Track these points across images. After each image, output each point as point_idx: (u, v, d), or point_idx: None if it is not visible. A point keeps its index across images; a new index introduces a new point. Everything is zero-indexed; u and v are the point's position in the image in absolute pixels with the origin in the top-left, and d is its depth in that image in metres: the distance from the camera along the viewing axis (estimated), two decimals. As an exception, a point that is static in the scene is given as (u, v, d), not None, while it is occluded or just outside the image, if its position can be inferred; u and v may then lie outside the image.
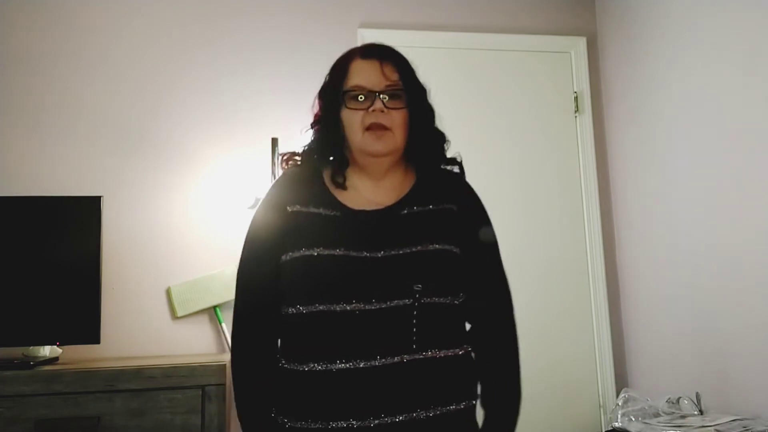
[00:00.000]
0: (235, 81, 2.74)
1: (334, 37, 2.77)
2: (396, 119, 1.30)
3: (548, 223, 2.92)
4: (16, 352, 2.21)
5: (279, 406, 1.26)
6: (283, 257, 1.27)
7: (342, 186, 1.35)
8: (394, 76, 1.32)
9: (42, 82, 2.61)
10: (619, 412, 2.32)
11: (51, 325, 2.22)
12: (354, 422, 1.17)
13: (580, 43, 3.08)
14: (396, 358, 1.19)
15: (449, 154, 1.42)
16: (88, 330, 2.22)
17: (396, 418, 1.18)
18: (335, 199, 1.33)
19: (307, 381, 1.21)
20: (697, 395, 2.24)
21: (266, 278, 1.29)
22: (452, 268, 1.29)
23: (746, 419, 2.06)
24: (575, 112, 3.03)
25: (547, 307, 2.84)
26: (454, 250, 1.29)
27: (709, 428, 2.01)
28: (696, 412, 2.21)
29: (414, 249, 1.25)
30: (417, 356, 1.21)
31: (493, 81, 2.98)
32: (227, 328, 2.54)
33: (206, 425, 1.99)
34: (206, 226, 2.61)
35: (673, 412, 2.25)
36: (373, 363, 1.18)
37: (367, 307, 1.20)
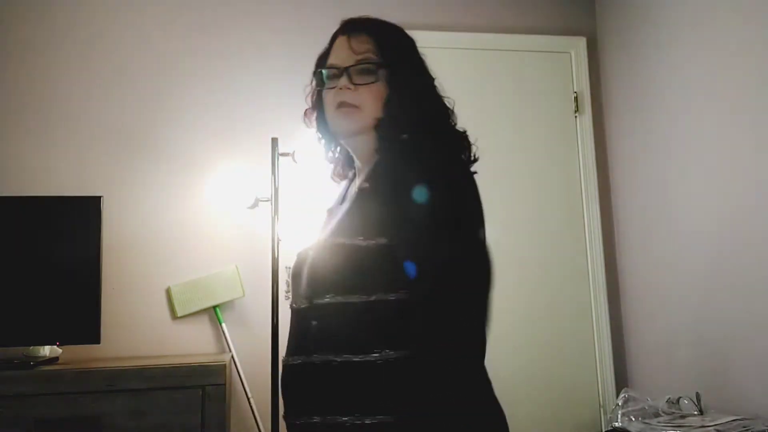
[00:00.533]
0: (235, 81, 2.74)
1: (334, 37, 2.77)
2: (365, 96, 1.21)
3: (548, 223, 2.92)
4: (16, 352, 2.21)
5: None
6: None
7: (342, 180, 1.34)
8: (364, 48, 1.23)
9: (42, 82, 2.61)
10: (619, 412, 2.32)
11: (51, 325, 2.22)
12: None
13: (580, 43, 3.08)
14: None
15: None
16: (88, 330, 2.22)
17: None
18: None
19: None
20: (697, 395, 2.24)
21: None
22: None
23: (746, 419, 2.06)
24: (575, 112, 3.03)
25: (547, 307, 2.84)
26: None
27: (709, 428, 2.01)
28: (696, 412, 2.21)
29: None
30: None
31: (493, 81, 2.97)
32: (227, 328, 2.54)
33: (206, 425, 1.99)
34: (206, 226, 2.61)
35: (673, 412, 2.25)
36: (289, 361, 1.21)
37: (295, 305, 1.22)
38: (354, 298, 1.11)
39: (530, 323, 2.82)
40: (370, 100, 1.21)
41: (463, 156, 1.26)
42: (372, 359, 1.08)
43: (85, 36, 2.68)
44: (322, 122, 1.31)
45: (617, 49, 2.97)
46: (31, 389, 1.93)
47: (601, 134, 3.05)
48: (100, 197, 2.32)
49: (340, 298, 1.12)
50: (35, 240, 2.27)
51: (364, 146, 1.25)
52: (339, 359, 1.09)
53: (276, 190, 2.41)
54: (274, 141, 2.47)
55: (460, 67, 2.92)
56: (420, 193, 1.11)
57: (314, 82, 1.32)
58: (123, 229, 2.54)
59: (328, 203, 1.35)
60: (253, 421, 2.45)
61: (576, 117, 3.03)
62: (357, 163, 1.31)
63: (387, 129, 1.21)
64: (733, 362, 2.27)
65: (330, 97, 1.24)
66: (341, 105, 1.22)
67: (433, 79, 1.30)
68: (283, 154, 2.44)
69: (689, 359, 2.49)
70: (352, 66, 1.22)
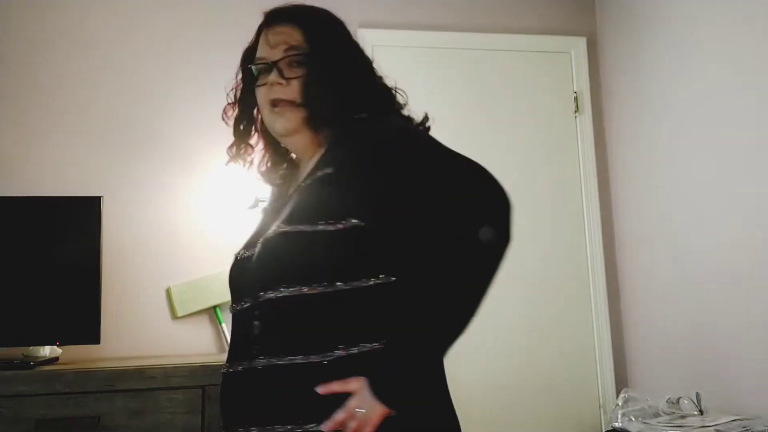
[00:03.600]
0: (234, 82, 2.74)
1: (334, 37, 2.77)
2: (298, 89, 1.13)
3: (548, 223, 2.92)
4: (16, 352, 2.21)
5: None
6: None
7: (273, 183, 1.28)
8: (292, 39, 1.14)
9: (42, 82, 2.61)
10: (619, 412, 2.32)
11: (51, 325, 2.22)
12: None
13: (580, 43, 3.08)
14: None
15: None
16: (88, 330, 2.22)
17: None
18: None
19: None
20: (697, 395, 2.24)
21: None
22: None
23: (746, 419, 2.06)
24: (575, 112, 3.03)
25: (547, 307, 2.84)
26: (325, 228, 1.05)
27: (709, 428, 2.01)
28: (696, 412, 2.21)
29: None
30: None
31: (493, 81, 2.97)
32: (227, 328, 2.54)
33: (206, 425, 1.99)
34: (206, 226, 2.61)
35: (673, 412, 2.25)
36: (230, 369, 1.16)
37: (239, 307, 1.15)
38: (318, 288, 1.01)
39: (530, 323, 2.82)
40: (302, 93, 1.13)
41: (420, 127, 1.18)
42: (333, 357, 0.99)
43: (84, 35, 2.68)
44: (248, 118, 1.25)
45: (617, 49, 2.97)
46: (31, 389, 1.93)
47: (601, 134, 3.05)
48: (100, 197, 2.31)
49: (302, 289, 1.01)
50: (35, 240, 2.27)
51: (305, 139, 1.17)
52: (285, 362, 1.00)
53: (276, 190, 2.41)
54: (274, 141, 2.47)
55: (460, 67, 2.92)
56: (397, 168, 1.04)
57: (240, 77, 1.26)
58: (123, 229, 2.54)
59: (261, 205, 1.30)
60: (253, 421, 2.44)
61: (576, 117, 3.03)
62: (295, 155, 1.26)
63: (329, 115, 1.13)
64: (733, 362, 2.27)
65: (262, 95, 1.17)
66: (276, 103, 1.14)
67: (370, 62, 1.21)
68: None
69: (689, 359, 2.49)
70: (280, 59, 1.14)
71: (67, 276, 2.26)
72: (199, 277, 2.56)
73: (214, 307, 2.56)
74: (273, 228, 1.09)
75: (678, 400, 2.29)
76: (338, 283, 1.02)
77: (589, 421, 2.80)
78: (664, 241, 2.65)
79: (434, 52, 2.90)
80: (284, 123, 1.14)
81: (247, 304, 1.08)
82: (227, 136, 2.66)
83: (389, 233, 1.05)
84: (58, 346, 2.27)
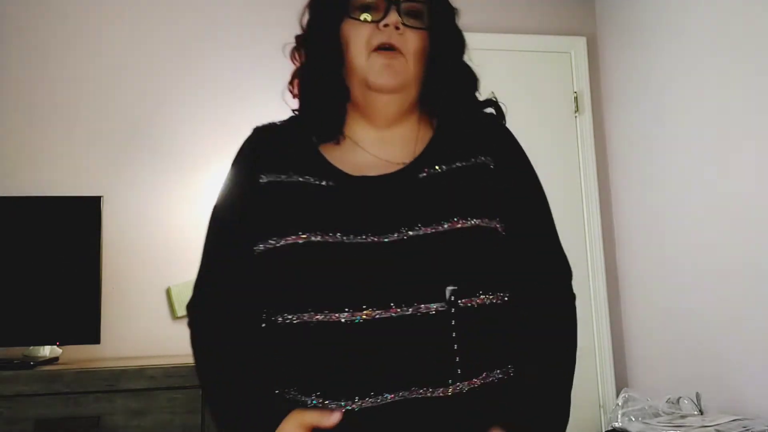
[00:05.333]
0: (236, 80, 2.74)
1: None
2: (412, 43, 0.95)
3: (548, 223, 2.92)
4: (16, 352, 2.21)
5: None
6: (258, 248, 0.91)
7: (336, 138, 0.98)
8: None
9: (42, 81, 2.61)
10: (619, 412, 2.32)
11: (51, 325, 2.22)
12: None
13: (580, 43, 3.08)
14: (436, 391, 0.83)
15: None
16: (88, 330, 2.22)
17: None
18: (326, 161, 0.96)
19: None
20: (697, 395, 2.24)
21: (238, 279, 0.95)
22: (496, 251, 0.92)
23: (746, 419, 2.06)
24: (575, 112, 3.03)
25: (547, 307, 2.84)
26: (496, 227, 0.92)
27: (709, 428, 2.01)
28: (696, 412, 2.21)
29: (441, 228, 0.87)
30: (464, 386, 0.85)
31: (493, 81, 2.95)
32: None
33: (206, 425, 1.99)
34: (206, 225, 2.61)
35: (673, 412, 2.25)
36: (405, 395, 0.83)
37: (384, 315, 0.84)
38: (502, 297, 0.93)
39: (530, 323, 2.82)
40: (415, 48, 0.96)
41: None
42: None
43: (84, 35, 2.68)
44: (327, 59, 0.98)
45: (617, 49, 2.97)
46: (31, 389, 1.93)
47: (601, 134, 3.05)
48: (100, 197, 2.32)
49: (499, 295, 0.91)
50: (35, 240, 2.27)
51: (391, 106, 0.98)
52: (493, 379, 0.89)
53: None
54: (274, 141, 2.47)
55: (460, 67, 2.92)
56: (522, 157, 1.03)
57: (321, 7, 1.00)
58: (123, 229, 2.54)
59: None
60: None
61: (576, 117, 3.03)
62: (362, 129, 1.00)
63: (441, 91, 1.00)
64: (733, 362, 2.27)
65: (363, 33, 0.95)
66: (384, 47, 0.94)
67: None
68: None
69: (689, 359, 2.49)
70: (404, 0, 0.94)
71: (67, 276, 2.26)
72: (199, 277, 2.56)
73: (214, 307, 2.56)
74: (444, 216, 0.88)
75: (678, 400, 2.29)
76: (506, 294, 0.94)
77: (589, 421, 2.80)
78: (664, 241, 2.65)
79: (434, 52, 2.89)
80: (391, 75, 0.94)
81: (425, 311, 0.85)
82: (228, 135, 2.66)
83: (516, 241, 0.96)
84: (58, 346, 2.27)
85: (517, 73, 3.00)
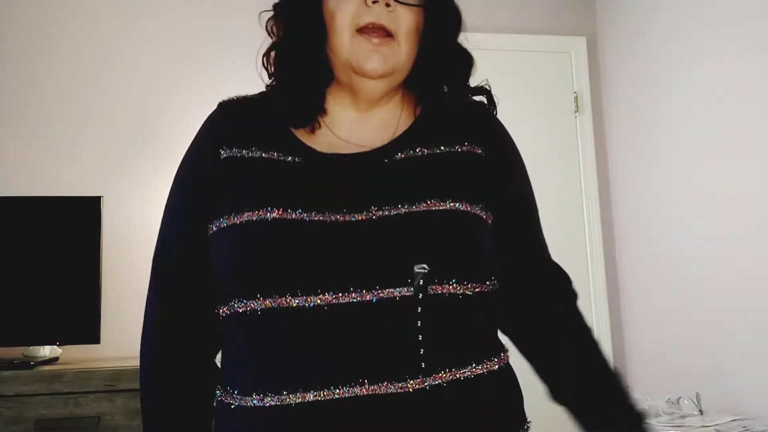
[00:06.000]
0: (236, 80, 2.73)
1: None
2: (404, 21, 0.84)
3: (548, 223, 2.90)
4: (16, 352, 2.21)
5: None
6: (213, 226, 0.83)
7: (310, 125, 0.87)
8: None
9: (42, 81, 2.61)
10: (619, 412, 2.31)
11: (51, 325, 2.22)
12: None
13: (580, 43, 3.08)
14: (393, 387, 0.74)
15: None
16: (88, 330, 2.22)
17: None
18: (295, 138, 0.86)
19: (252, 423, 0.76)
20: (697, 395, 2.24)
21: (190, 263, 0.86)
22: (476, 237, 0.83)
23: (746, 419, 2.06)
24: (575, 112, 3.03)
25: (547, 307, 2.84)
26: (479, 213, 0.84)
27: (709, 428, 2.01)
28: (696, 412, 2.21)
29: (415, 208, 0.79)
30: (428, 382, 0.75)
31: (493, 81, 2.95)
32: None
33: (206, 425, 1.99)
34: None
35: (673, 412, 2.25)
36: (356, 392, 0.73)
37: (342, 300, 0.74)
38: (480, 287, 0.83)
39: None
40: (408, 28, 0.85)
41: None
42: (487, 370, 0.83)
43: (84, 35, 2.68)
44: (304, 35, 0.87)
45: (617, 49, 2.97)
46: (31, 389, 1.93)
47: (601, 134, 3.05)
48: (100, 197, 2.32)
49: (471, 285, 0.81)
50: (35, 240, 2.27)
51: (375, 90, 0.87)
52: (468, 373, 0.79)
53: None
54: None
55: (460, 67, 2.92)
56: (513, 150, 0.98)
57: None
58: (123, 229, 2.54)
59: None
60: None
61: (576, 117, 3.03)
62: (341, 110, 0.90)
63: (430, 73, 0.91)
64: (733, 362, 2.27)
65: (348, 10, 0.83)
66: (372, 29, 0.83)
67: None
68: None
69: (689, 359, 2.49)
70: None
71: (67, 276, 2.26)
72: (199, 277, 2.56)
73: (214, 307, 2.56)
74: (420, 197, 0.80)
75: (678, 400, 2.28)
76: (489, 282, 0.85)
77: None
78: (664, 240, 2.65)
79: (434, 52, 2.89)
80: (379, 61, 0.83)
81: (388, 297, 0.75)
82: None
83: (501, 234, 0.89)
84: (58, 346, 2.27)
85: (517, 74, 3.00)
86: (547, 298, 0.91)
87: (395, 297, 0.75)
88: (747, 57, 2.23)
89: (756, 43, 2.19)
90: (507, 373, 0.88)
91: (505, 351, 0.89)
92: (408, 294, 0.75)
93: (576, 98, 3.03)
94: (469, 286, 0.80)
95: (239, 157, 0.84)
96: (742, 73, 2.25)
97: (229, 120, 0.91)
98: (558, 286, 0.94)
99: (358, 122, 0.89)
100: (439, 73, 0.92)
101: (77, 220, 2.30)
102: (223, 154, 0.86)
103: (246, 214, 0.78)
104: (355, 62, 0.84)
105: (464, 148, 0.88)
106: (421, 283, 0.75)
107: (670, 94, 2.62)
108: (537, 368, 0.93)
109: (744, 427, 2.00)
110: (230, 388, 0.80)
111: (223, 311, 0.82)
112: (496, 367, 0.84)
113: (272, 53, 0.92)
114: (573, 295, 0.94)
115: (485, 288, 0.83)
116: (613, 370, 0.89)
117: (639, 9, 2.83)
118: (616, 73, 2.98)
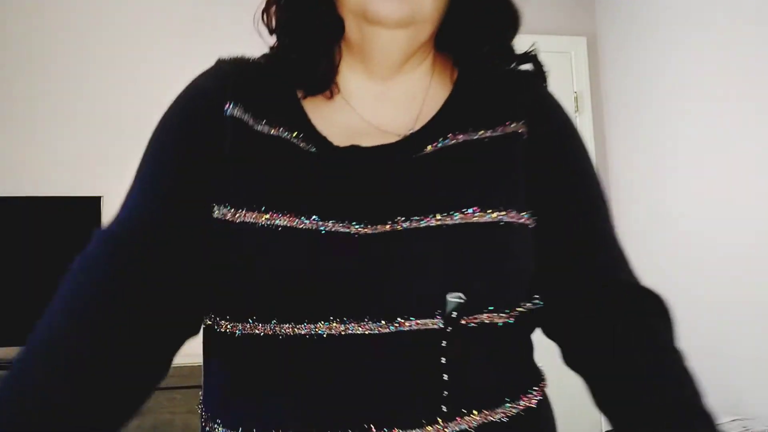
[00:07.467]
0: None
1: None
2: None
3: (548, 223, 2.92)
4: (17, 352, 2.21)
5: None
6: (217, 213, 0.64)
7: (326, 88, 0.70)
8: None
9: (42, 81, 2.61)
10: (619, 412, 2.32)
11: (51, 325, 2.22)
12: None
13: (580, 43, 3.08)
14: None
15: None
16: (88, 330, 2.22)
17: None
18: (307, 119, 0.68)
19: None
20: (697, 395, 2.24)
21: (173, 224, 0.67)
22: (524, 258, 0.66)
23: (746, 419, 2.06)
24: (575, 112, 3.03)
25: (547, 307, 2.84)
26: (525, 222, 0.66)
27: (709, 428, 2.01)
28: (696, 412, 2.21)
29: (449, 220, 0.62)
30: (450, 427, 0.60)
31: (493, 81, 2.98)
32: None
33: (206, 425, 1.99)
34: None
35: (673, 412, 2.25)
36: None
37: (353, 330, 0.60)
38: (514, 312, 0.66)
39: (530, 323, 2.82)
40: None
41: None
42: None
43: (84, 34, 2.68)
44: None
45: (617, 49, 2.98)
46: (31, 389, 1.93)
47: (601, 134, 3.05)
48: (99, 197, 2.32)
49: (506, 313, 0.65)
50: (35, 240, 2.27)
51: (394, 47, 0.68)
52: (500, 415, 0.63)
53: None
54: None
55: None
56: (568, 128, 0.77)
57: None
58: (123, 229, 2.54)
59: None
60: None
61: (576, 117, 3.04)
62: (357, 81, 0.72)
63: (465, 31, 0.72)
64: (733, 362, 2.27)
65: None
66: None
67: None
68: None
69: (689, 359, 2.48)
70: None
71: (67, 276, 2.26)
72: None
73: (214, 307, 2.56)
74: (454, 204, 0.63)
75: (678, 400, 2.29)
76: (532, 303, 0.69)
77: (589, 421, 2.80)
78: (664, 240, 2.65)
79: (434, 52, 2.89)
80: (397, 4, 0.64)
81: (410, 329, 0.60)
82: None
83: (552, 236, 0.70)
84: (58, 346, 2.27)
85: (517, 73, 3.00)
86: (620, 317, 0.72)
87: (419, 329, 0.60)
88: (747, 56, 2.23)
89: (756, 42, 2.19)
90: (545, 409, 0.73)
91: (543, 379, 0.73)
92: (435, 327, 0.60)
93: (576, 98, 3.03)
94: (508, 313, 0.64)
95: (248, 126, 0.67)
96: (743, 73, 2.25)
97: (236, 73, 0.74)
98: (632, 301, 0.75)
99: (377, 96, 0.71)
100: (477, 29, 0.72)
101: (77, 220, 2.30)
102: (229, 110, 0.68)
103: (249, 215, 0.62)
104: (369, 6, 0.64)
105: (507, 129, 0.69)
106: (453, 315, 0.60)
107: (669, 94, 2.62)
108: (597, 397, 0.76)
109: (744, 427, 2.00)
110: (212, 415, 0.67)
111: (210, 323, 0.69)
112: (535, 402, 0.69)
113: (273, 7, 0.77)
114: (657, 312, 0.75)
115: (525, 309, 0.67)
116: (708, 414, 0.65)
117: (639, 9, 2.83)
118: (616, 73, 2.98)
